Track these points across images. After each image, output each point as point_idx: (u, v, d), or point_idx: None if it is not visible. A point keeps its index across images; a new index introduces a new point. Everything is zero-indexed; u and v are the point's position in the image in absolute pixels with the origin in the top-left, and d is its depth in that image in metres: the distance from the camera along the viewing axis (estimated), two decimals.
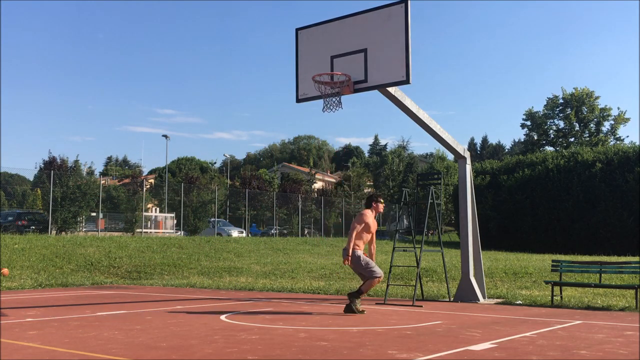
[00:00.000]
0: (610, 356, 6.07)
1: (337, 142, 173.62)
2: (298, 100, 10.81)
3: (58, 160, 32.40)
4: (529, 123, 65.36)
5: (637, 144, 49.61)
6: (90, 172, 37.52)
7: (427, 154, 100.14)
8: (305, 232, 46.99)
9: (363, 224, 9.81)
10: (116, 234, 34.05)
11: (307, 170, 74.85)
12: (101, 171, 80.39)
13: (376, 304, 11.45)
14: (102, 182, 41.06)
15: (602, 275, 12.32)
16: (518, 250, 35.20)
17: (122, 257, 21.66)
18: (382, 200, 10.39)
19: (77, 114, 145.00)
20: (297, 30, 11.02)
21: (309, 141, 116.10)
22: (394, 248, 12.36)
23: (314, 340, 6.99)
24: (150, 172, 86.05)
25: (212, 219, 41.08)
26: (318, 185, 65.80)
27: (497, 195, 41.89)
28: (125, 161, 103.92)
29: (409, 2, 9.70)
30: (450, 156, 68.96)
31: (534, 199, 40.04)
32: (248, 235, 41.21)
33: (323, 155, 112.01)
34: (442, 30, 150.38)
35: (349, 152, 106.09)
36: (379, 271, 9.69)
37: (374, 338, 7.22)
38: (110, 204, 41.27)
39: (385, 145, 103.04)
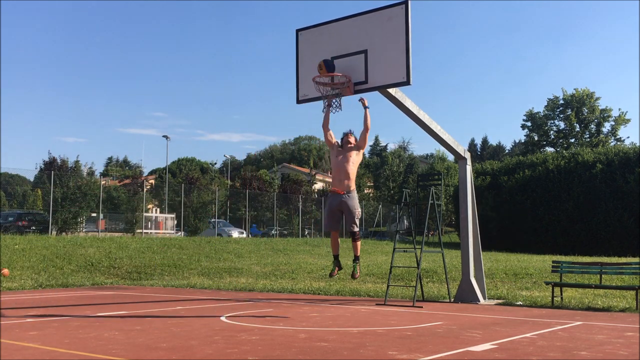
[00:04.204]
0: (611, 357, 6.08)
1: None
2: (299, 101, 10.82)
3: (58, 161, 32.42)
4: (529, 124, 65.33)
5: (638, 144, 49.63)
6: (91, 173, 37.54)
7: (427, 155, 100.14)
8: (306, 232, 46.99)
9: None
10: (116, 234, 34.05)
11: (307, 170, 74.84)
12: (101, 172, 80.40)
13: (376, 304, 11.46)
14: (103, 182, 41.08)
15: (603, 276, 12.32)
16: (518, 251, 35.18)
17: (122, 258, 21.66)
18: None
19: (77, 115, 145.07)
20: (297, 31, 11.04)
21: (310, 142, 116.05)
22: (394, 249, 12.38)
23: (314, 341, 6.99)
24: (151, 173, 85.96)
25: (213, 220, 41.08)
26: (318, 185, 65.79)
27: (498, 196, 41.86)
28: (125, 162, 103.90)
29: (409, 3, 9.71)
30: (450, 157, 68.98)
31: (534, 199, 40.02)
32: (248, 236, 41.21)
33: (323, 155, 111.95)
34: (442, 31, 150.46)
35: None
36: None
37: (375, 339, 7.22)
38: (111, 204, 41.28)
39: (386, 146, 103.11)
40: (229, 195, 46.13)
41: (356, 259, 9.44)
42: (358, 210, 9.11)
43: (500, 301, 11.96)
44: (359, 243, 9.31)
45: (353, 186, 9.22)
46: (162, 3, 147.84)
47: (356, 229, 9.05)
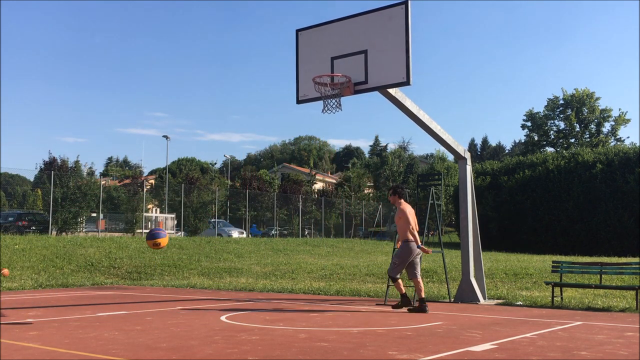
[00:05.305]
0: (611, 357, 6.08)
1: (338, 143, 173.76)
2: (298, 102, 10.83)
3: (58, 161, 32.41)
4: (529, 124, 65.34)
5: (638, 144, 49.61)
6: (91, 173, 37.54)
7: (427, 155, 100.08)
8: (306, 232, 46.98)
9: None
10: (116, 234, 34.05)
11: (307, 170, 74.87)
12: (102, 172, 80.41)
13: (376, 304, 11.46)
14: (103, 182, 41.09)
15: (603, 276, 12.31)
16: (518, 251, 35.17)
17: (122, 258, 21.66)
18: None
19: (77, 115, 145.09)
20: (297, 31, 11.04)
21: (310, 142, 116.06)
22: (394, 249, 12.36)
23: (314, 341, 6.99)
24: (151, 173, 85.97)
25: (213, 220, 41.08)
26: (318, 186, 65.79)
27: (498, 196, 41.86)
28: (125, 162, 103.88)
29: (409, 3, 9.72)
30: (450, 157, 68.96)
31: (534, 199, 40.02)
32: (248, 236, 41.21)
33: (323, 155, 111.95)
34: (442, 30, 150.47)
35: (349, 152, 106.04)
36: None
37: (375, 339, 7.22)
38: (111, 204, 41.29)
39: (386, 146, 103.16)
40: (229, 195, 46.12)
41: (401, 297, 10.39)
42: (398, 260, 10.15)
43: (500, 301, 11.96)
44: (396, 284, 10.31)
45: (401, 240, 10.22)
46: (162, 3, 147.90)
47: (391, 274, 10.29)
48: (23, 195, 53.18)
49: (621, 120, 62.81)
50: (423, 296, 10.11)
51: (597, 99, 63.12)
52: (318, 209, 48.05)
